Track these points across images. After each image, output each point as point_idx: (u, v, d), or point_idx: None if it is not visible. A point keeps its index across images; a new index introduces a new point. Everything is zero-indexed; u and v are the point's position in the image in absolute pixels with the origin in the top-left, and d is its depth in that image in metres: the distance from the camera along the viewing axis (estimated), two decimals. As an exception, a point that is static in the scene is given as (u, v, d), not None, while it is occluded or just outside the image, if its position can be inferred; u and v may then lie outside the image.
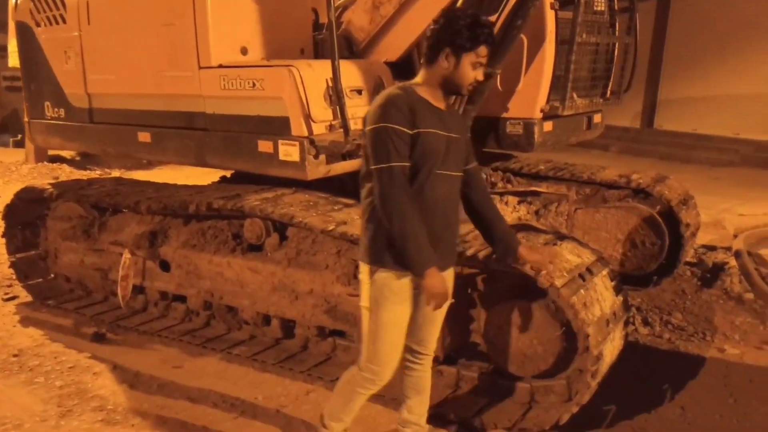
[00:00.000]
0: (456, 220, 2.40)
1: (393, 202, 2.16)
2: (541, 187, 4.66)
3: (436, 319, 2.48)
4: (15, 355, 3.63)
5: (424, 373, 2.58)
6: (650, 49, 11.93)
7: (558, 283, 2.63)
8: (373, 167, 2.18)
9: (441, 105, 2.31)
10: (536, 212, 4.68)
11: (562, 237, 3.11)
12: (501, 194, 4.66)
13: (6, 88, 15.53)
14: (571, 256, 2.90)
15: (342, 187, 3.94)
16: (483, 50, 2.24)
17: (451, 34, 2.21)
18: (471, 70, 2.25)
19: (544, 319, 2.81)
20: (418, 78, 2.31)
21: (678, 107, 12.01)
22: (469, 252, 2.86)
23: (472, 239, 3.04)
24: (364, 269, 2.33)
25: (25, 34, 4.53)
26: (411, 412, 2.63)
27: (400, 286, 2.29)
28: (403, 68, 4.14)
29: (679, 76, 11.87)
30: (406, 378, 2.59)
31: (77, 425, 2.95)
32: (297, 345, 3.66)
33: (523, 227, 3.75)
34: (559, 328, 2.77)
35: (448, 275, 2.42)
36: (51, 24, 4.30)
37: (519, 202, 4.70)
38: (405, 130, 2.16)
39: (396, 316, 2.32)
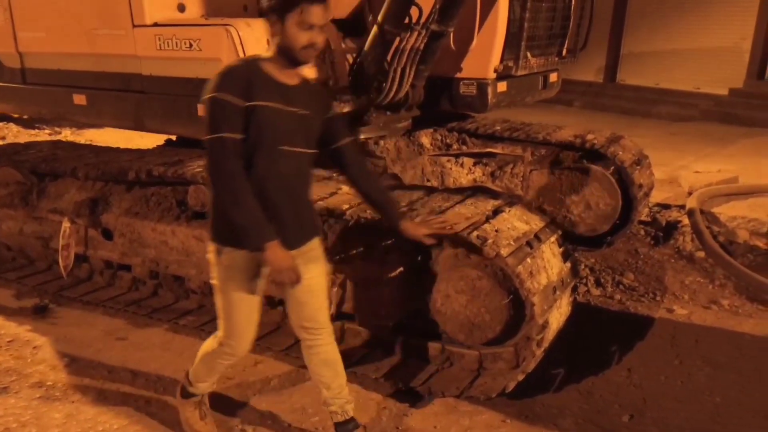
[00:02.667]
0: (307, 197, 2.35)
1: (223, 174, 2.08)
2: (497, 149, 4.60)
3: (315, 293, 2.42)
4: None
5: (326, 346, 2.51)
6: (613, 3, 11.83)
7: (504, 252, 2.59)
8: (204, 138, 2.09)
9: (290, 80, 2.19)
10: (492, 174, 4.64)
11: (511, 203, 3.07)
12: (456, 156, 4.60)
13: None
14: (519, 222, 2.87)
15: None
16: (308, 9, 2.06)
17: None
18: (299, 31, 2.08)
19: (491, 288, 2.78)
20: (269, 52, 2.19)
21: (641, 61, 12.02)
22: (416, 220, 2.80)
23: (419, 207, 2.98)
24: (211, 247, 2.29)
25: (-54, -13, 4.19)
26: (329, 388, 2.56)
27: (247, 264, 2.23)
28: (352, 26, 3.99)
29: (642, 31, 11.84)
30: (312, 357, 2.52)
31: (14, 403, 2.86)
32: (247, 314, 3.59)
33: (478, 189, 3.72)
34: (506, 296, 2.75)
35: (310, 249, 2.36)
36: (-27, -24, 3.98)
37: (474, 164, 4.65)
38: (237, 101, 2.06)
39: (245, 293, 2.29)
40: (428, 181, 4.44)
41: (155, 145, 4.43)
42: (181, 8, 3.42)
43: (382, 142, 4.05)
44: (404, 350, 3.14)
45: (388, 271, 3.00)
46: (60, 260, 3.88)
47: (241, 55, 3.06)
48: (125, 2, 3.32)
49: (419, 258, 3.11)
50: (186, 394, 2.63)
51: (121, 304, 3.77)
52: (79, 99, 3.76)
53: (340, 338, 3.30)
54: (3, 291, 4.01)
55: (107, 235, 3.87)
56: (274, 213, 2.16)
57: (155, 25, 3.31)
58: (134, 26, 3.34)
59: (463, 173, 4.60)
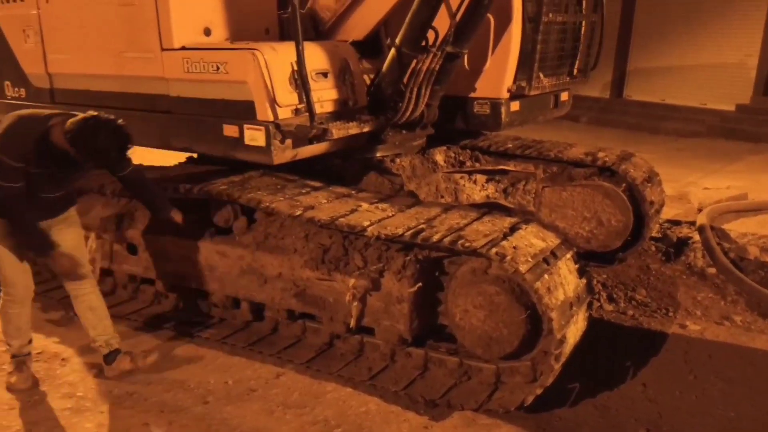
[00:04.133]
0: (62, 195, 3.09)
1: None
2: (509, 166, 4.69)
3: (76, 249, 3.17)
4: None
5: (90, 295, 3.20)
6: (620, 19, 11.96)
7: (522, 268, 2.68)
8: None
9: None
10: (504, 190, 4.73)
11: (527, 220, 3.16)
12: (470, 173, 4.70)
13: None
14: (536, 239, 2.96)
15: (310, 169, 3.93)
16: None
17: (85, 146, 2.75)
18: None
19: (508, 303, 2.87)
20: (59, 130, 2.78)
21: (647, 77, 12.12)
22: (435, 237, 2.90)
23: (438, 224, 3.08)
24: None
25: (-20, 11, 4.35)
26: (95, 328, 3.20)
27: (7, 230, 2.96)
28: (369, 48, 4.11)
29: (649, 47, 11.95)
30: (79, 305, 3.20)
31: (46, 414, 2.95)
32: (267, 328, 3.68)
33: (491, 207, 3.81)
34: (523, 311, 2.83)
35: (67, 217, 3.15)
36: (8, 1, 4.14)
37: (487, 181, 4.74)
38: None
39: (8, 252, 3.00)
40: (442, 197, 4.54)
41: (177, 163, 4.54)
42: (207, 32, 3.55)
43: (397, 160, 4.15)
44: (423, 363, 3.23)
45: (407, 286, 3.09)
46: (86, 274, 3.97)
47: (267, 78, 3.17)
48: (154, 27, 3.45)
49: (436, 273, 3.21)
50: (12, 356, 3.20)
51: (146, 318, 3.87)
52: (107, 119, 3.88)
53: (358, 351, 3.40)
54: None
55: (132, 249, 3.97)
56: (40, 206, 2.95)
57: (183, 48, 3.44)
58: (163, 50, 3.47)
59: (476, 190, 4.69)
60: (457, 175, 4.68)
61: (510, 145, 4.81)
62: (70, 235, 3.15)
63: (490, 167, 4.67)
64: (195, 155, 4.57)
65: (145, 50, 3.54)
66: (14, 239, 2.96)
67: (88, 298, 3.19)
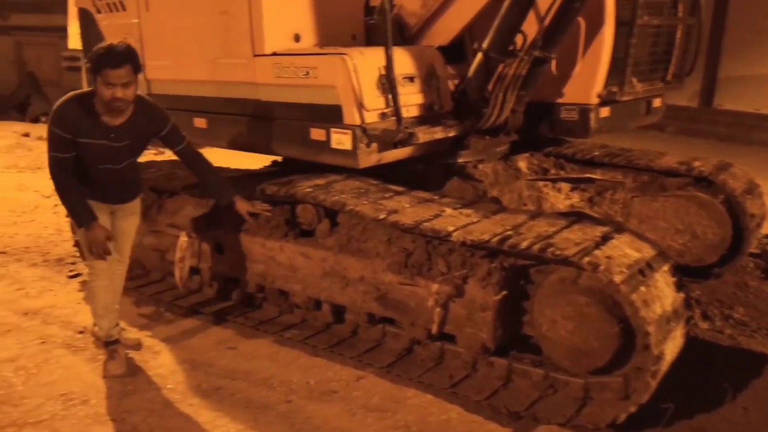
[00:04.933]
0: (127, 179, 3.32)
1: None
2: (596, 174, 4.53)
3: (125, 236, 3.45)
4: (80, 332, 3.80)
5: (119, 274, 3.49)
6: (711, 25, 11.37)
7: (617, 279, 2.57)
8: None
9: (111, 119, 3.05)
10: (590, 200, 4.57)
11: (619, 229, 3.03)
12: (553, 180, 4.57)
13: (66, 68, 16.08)
14: (630, 250, 2.83)
15: (392, 174, 3.93)
16: (109, 73, 2.87)
17: (90, 63, 2.92)
18: (104, 88, 2.92)
19: (600, 315, 2.75)
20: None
21: (740, 86, 11.44)
22: (523, 244, 2.82)
23: (525, 231, 3.00)
24: None
25: (87, 20, 4.64)
26: (94, 314, 3.41)
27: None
28: (453, 52, 4.08)
29: (742, 54, 11.29)
30: (88, 284, 3.44)
31: (139, 403, 3.08)
32: (347, 330, 3.70)
33: (576, 215, 3.69)
34: (616, 324, 2.71)
35: (129, 207, 3.40)
36: (111, 11, 4.40)
37: (572, 189, 4.60)
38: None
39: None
40: (525, 205, 4.43)
41: (263, 166, 4.68)
42: (297, 38, 3.64)
43: (480, 166, 4.09)
44: (506, 374, 3.15)
45: (492, 294, 3.03)
46: (176, 272, 4.13)
47: (354, 82, 3.21)
48: (247, 34, 3.57)
49: (521, 281, 3.13)
50: (101, 345, 3.42)
51: (230, 315, 3.98)
52: (200, 122, 4.05)
53: (439, 358, 3.36)
54: (123, 299, 4.31)
55: (220, 249, 4.11)
56: (101, 190, 3.21)
57: (274, 54, 3.54)
58: (255, 55, 3.58)
59: (560, 198, 4.55)
60: (540, 183, 4.56)
61: (596, 153, 4.65)
62: (131, 222, 3.45)
63: (575, 175, 4.53)
64: (279, 159, 4.69)
65: (238, 56, 3.66)
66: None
67: (97, 284, 3.34)
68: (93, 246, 3.10)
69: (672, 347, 2.72)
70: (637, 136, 9.32)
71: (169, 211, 4.36)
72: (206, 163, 3.44)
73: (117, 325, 3.42)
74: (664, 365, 2.67)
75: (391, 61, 3.12)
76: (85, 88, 3.16)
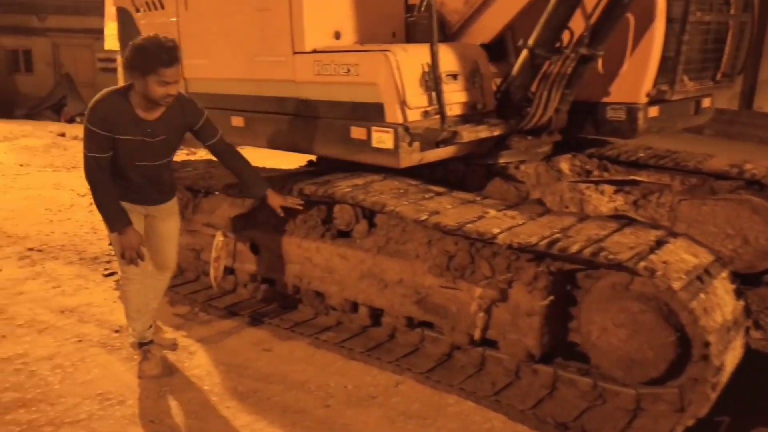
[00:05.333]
0: (164, 178, 3.24)
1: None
2: (641, 176, 4.37)
3: (168, 240, 3.37)
4: (116, 331, 3.79)
5: (162, 284, 3.48)
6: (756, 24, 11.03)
7: (676, 285, 2.44)
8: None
9: (148, 114, 2.98)
10: (634, 202, 4.40)
11: (674, 234, 2.89)
12: (597, 182, 4.42)
13: (101, 69, 16.37)
14: (687, 255, 2.69)
15: (431, 174, 3.85)
16: (165, 72, 2.82)
17: (135, 60, 2.85)
18: (158, 87, 2.86)
19: (655, 323, 2.62)
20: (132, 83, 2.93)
21: (781, 88, 11.11)
22: (574, 248, 2.71)
23: (575, 234, 2.88)
24: None
25: (125, 19, 4.66)
26: (127, 316, 3.34)
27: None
28: (494, 50, 3.98)
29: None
30: (121, 287, 3.37)
31: (176, 405, 3.04)
32: (384, 334, 3.62)
33: (621, 219, 3.54)
34: (673, 332, 2.58)
35: (167, 207, 3.31)
36: (150, 9, 4.40)
37: (615, 192, 4.43)
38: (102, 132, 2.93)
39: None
40: (567, 207, 4.30)
41: (298, 166, 4.63)
42: (337, 36, 3.57)
43: (522, 167, 3.98)
44: (551, 382, 3.03)
45: (538, 299, 2.92)
46: (211, 271, 4.10)
47: (397, 79, 3.13)
48: (287, 31, 3.51)
49: (568, 287, 3.02)
50: (136, 346, 3.35)
51: (264, 316, 3.93)
52: (237, 121, 4.01)
53: (480, 365, 3.26)
54: (157, 298, 4.31)
55: (255, 249, 4.06)
56: (137, 190, 3.13)
57: (314, 51, 3.48)
58: (294, 53, 3.52)
59: (604, 201, 4.40)
60: (583, 185, 4.41)
61: (641, 155, 4.49)
62: (171, 224, 3.35)
63: (620, 177, 4.37)
64: (314, 159, 4.63)
65: (277, 54, 3.61)
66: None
67: (129, 288, 3.27)
68: (126, 251, 3.02)
69: (732, 358, 2.58)
70: (674, 138, 9.09)
71: (204, 210, 4.33)
72: (240, 157, 3.39)
73: (150, 326, 3.36)
74: (724, 377, 2.53)
75: (437, 58, 3.04)
76: (121, 85, 3.10)
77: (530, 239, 2.83)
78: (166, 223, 3.32)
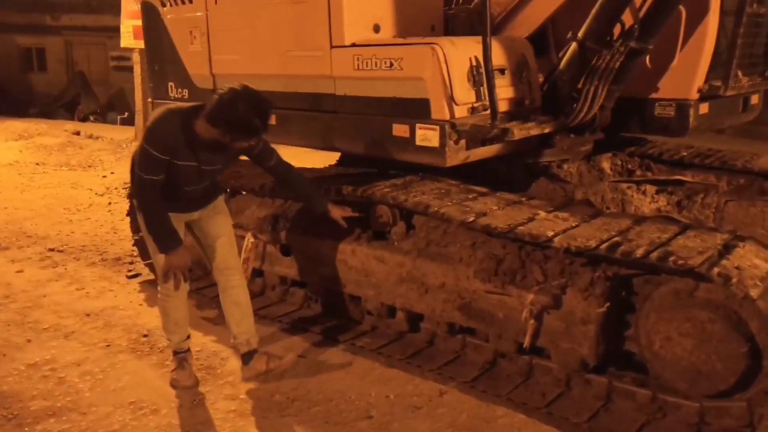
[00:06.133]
0: (212, 185, 3.09)
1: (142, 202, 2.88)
2: (686, 176, 4.20)
3: (223, 239, 3.15)
4: (144, 335, 3.66)
5: (238, 288, 3.17)
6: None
7: (754, 293, 2.28)
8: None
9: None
10: (678, 203, 4.23)
11: (741, 237, 2.73)
12: (639, 182, 4.25)
13: (113, 67, 16.31)
14: (758, 260, 2.53)
15: (469, 174, 3.69)
16: (253, 140, 2.83)
17: (228, 124, 2.68)
18: (237, 145, 2.81)
19: (726, 332, 2.46)
20: (202, 117, 2.73)
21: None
22: (639, 252, 2.54)
23: (635, 237, 2.72)
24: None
25: (151, 15, 4.52)
26: (239, 325, 3.16)
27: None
28: (534, 43, 3.82)
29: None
30: (225, 298, 3.17)
31: (212, 414, 2.91)
32: (422, 340, 3.48)
33: (664, 220, 3.38)
34: (744, 343, 2.42)
35: (215, 206, 3.16)
36: (177, 4, 4.26)
37: (657, 192, 4.26)
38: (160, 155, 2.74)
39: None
40: (608, 208, 4.13)
41: (328, 164, 4.48)
42: (377, 29, 3.42)
43: (565, 166, 3.82)
44: (606, 394, 2.87)
45: (595, 306, 2.76)
46: (240, 274, 3.97)
47: (445, 74, 2.97)
48: (325, 24, 3.37)
49: (623, 293, 2.86)
50: (174, 353, 3.19)
51: (296, 321, 3.80)
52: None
53: (527, 374, 3.11)
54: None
55: (285, 251, 3.92)
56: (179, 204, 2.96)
57: (353, 45, 3.33)
58: (332, 47, 3.37)
59: (646, 202, 4.23)
60: (624, 185, 4.25)
61: (685, 154, 4.32)
62: (220, 221, 3.16)
63: (663, 177, 4.20)
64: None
65: (313, 48, 3.46)
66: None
67: (236, 292, 3.15)
68: (172, 270, 2.83)
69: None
70: (695, 137, 8.88)
71: (233, 210, 4.17)
72: (297, 174, 3.26)
73: (188, 337, 3.20)
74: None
75: (489, 51, 2.88)
76: (180, 104, 2.90)
77: (589, 243, 2.67)
78: (214, 221, 3.14)
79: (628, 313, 2.86)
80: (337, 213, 3.30)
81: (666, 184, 4.26)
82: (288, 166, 3.22)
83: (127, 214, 4.72)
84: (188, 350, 3.21)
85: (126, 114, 14.39)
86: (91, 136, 11.28)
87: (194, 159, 2.81)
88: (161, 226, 2.83)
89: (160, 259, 2.88)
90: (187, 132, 2.75)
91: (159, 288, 3.09)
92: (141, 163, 2.76)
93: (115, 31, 11.01)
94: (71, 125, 12.75)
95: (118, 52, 14.52)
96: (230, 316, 3.17)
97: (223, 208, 3.21)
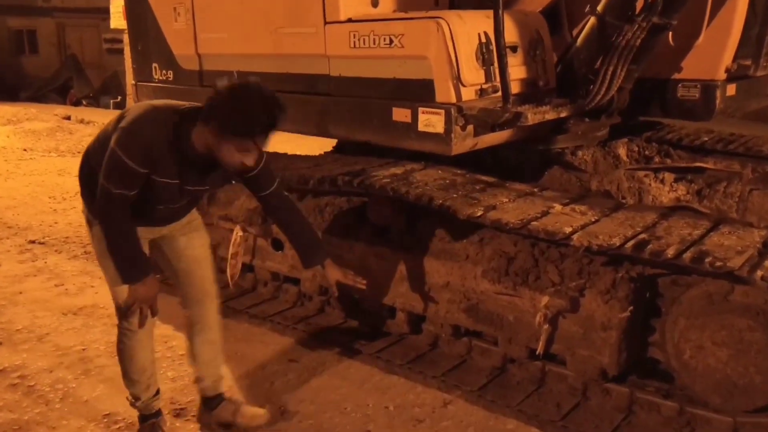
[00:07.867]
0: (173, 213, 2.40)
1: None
2: (708, 163, 3.90)
3: (200, 262, 2.56)
4: (125, 338, 3.39)
5: (213, 325, 2.64)
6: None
7: (803, 301, 2.00)
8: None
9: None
10: (698, 192, 3.94)
11: (781, 234, 2.45)
12: (658, 170, 3.96)
13: (107, 50, 15.94)
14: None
15: (477, 161, 3.40)
16: (260, 138, 2.08)
17: (226, 118, 2.03)
18: (236, 152, 2.09)
19: (767, 342, 2.19)
20: (199, 124, 2.11)
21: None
22: (670, 252, 2.26)
23: (664, 234, 2.44)
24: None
25: (132, -9, 4.21)
26: (207, 366, 2.63)
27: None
28: (547, 19, 3.51)
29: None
30: (196, 335, 2.61)
31: (193, 427, 2.65)
32: (424, 343, 3.22)
33: (684, 210, 3.10)
34: (789, 355, 2.15)
35: (189, 221, 2.51)
36: (159, -22, 3.94)
37: (676, 180, 3.96)
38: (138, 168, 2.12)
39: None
40: (624, 198, 3.85)
41: (322, 152, 4.18)
42: (375, 3, 3.12)
43: (579, 153, 3.53)
44: (627, 405, 2.62)
45: (617, 310, 2.49)
46: (228, 269, 3.70)
47: (452, 52, 2.67)
48: (319, -3, 3.05)
49: (647, 295, 2.59)
50: (140, 418, 2.58)
51: (289, 320, 3.54)
52: (258, 102, 3.56)
53: (539, 382, 2.85)
54: (170, 298, 3.90)
55: (277, 245, 3.65)
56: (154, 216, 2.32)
57: (349, 21, 3.02)
58: (326, 23, 3.06)
59: (664, 191, 3.93)
60: (641, 173, 3.96)
61: (706, 139, 4.03)
62: (196, 241, 2.53)
63: (684, 164, 3.91)
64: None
65: (306, 25, 3.15)
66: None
67: (211, 329, 2.61)
68: (137, 304, 2.25)
69: None
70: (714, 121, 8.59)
71: (221, 202, 3.91)
72: (298, 214, 2.61)
73: (158, 392, 2.56)
74: None
75: (501, 25, 2.57)
76: (172, 103, 2.27)
77: (612, 240, 2.39)
78: (189, 240, 2.50)
79: (653, 317, 2.60)
80: (334, 275, 2.56)
81: (686, 171, 3.97)
82: (288, 202, 2.58)
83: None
84: (159, 413, 2.58)
85: (119, 98, 14.07)
86: (81, 121, 10.97)
87: (177, 176, 2.19)
88: (130, 251, 2.22)
89: (121, 290, 2.28)
90: (178, 142, 2.13)
91: (118, 325, 2.45)
92: (110, 173, 2.12)
93: (109, 12, 10.65)
94: (62, 109, 12.43)
95: (111, 34, 14.19)
96: (199, 356, 2.61)
97: (200, 223, 2.57)
